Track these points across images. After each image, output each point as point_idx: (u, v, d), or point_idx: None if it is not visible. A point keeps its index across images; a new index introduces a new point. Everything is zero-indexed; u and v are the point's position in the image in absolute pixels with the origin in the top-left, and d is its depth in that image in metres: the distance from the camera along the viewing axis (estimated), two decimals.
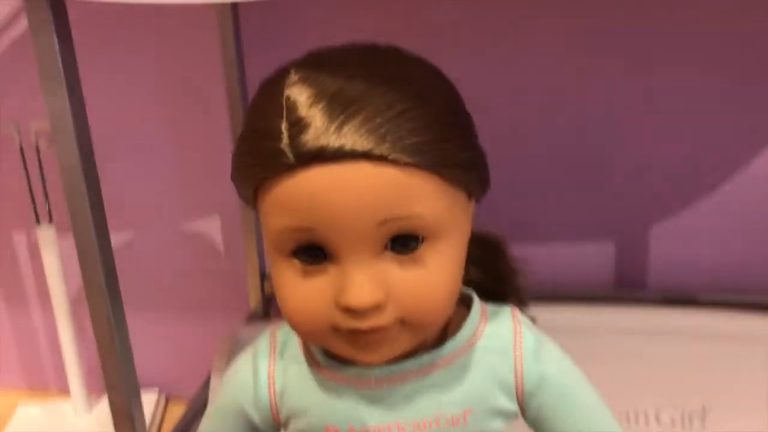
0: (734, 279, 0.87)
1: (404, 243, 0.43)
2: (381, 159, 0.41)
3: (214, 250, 0.98)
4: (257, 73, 0.49)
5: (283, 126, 0.41)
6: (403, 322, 0.44)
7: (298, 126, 0.41)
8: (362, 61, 0.43)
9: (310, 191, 0.41)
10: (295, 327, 0.46)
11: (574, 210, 0.89)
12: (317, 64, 0.43)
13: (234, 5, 0.82)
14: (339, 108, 0.41)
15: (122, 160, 0.94)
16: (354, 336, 0.44)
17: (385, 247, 0.43)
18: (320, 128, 0.41)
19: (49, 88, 0.56)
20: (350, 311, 0.43)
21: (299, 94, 0.42)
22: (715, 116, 0.82)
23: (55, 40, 0.55)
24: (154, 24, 0.89)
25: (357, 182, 0.41)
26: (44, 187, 0.91)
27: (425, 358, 0.48)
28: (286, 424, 0.51)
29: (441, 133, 0.43)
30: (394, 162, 0.41)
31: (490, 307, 0.51)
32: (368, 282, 0.42)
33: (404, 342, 0.45)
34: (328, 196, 0.41)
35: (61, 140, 0.57)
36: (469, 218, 0.48)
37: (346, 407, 0.48)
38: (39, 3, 0.53)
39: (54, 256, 0.94)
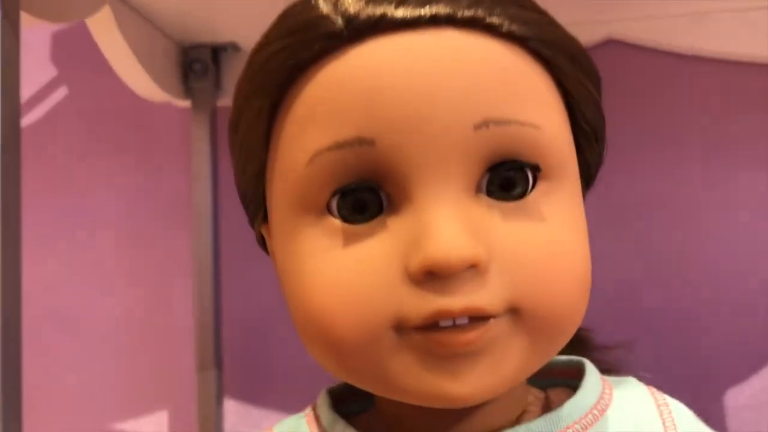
0: None
1: (509, 181, 0.28)
2: (475, 25, 0.27)
3: None
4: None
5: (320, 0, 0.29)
6: (515, 313, 0.27)
7: None
8: None
9: (368, 75, 0.27)
10: (331, 331, 0.27)
11: None
12: None
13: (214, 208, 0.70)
14: None
15: (55, 340, 0.75)
16: (433, 341, 0.27)
17: (478, 188, 0.28)
18: None
19: None
20: (433, 274, 0.26)
21: None
22: None
23: None
24: (117, 202, 0.77)
25: (441, 57, 0.27)
26: None
27: (539, 424, 0.29)
28: None
29: (549, 17, 0.30)
30: (496, 31, 0.28)
31: (608, 377, 0.35)
32: (461, 226, 0.26)
33: (514, 358, 0.28)
34: (396, 80, 0.27)
35: None
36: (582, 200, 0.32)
37: None
38: None
39: None
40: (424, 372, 0.27)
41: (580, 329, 0.42)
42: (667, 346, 0.70)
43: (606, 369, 0.41)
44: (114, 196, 0.76)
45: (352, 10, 0.27)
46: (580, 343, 0.41)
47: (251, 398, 0.73)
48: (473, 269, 0.26)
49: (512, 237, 0.27)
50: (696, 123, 0.70)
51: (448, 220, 0.26)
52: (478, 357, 0.27)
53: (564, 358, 0.36)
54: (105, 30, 0.55)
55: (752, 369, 0.69)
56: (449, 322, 0.26)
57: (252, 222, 0.34)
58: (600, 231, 0.70)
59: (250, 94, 0.30)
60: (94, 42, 0.57)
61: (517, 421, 0.31)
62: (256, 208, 0.33)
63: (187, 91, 0.69)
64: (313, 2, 0.29)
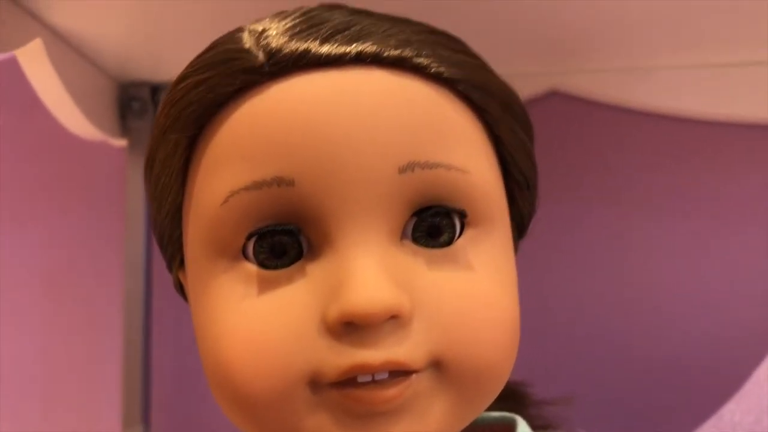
0: None
1: (435, 228, 0.27)
2: (402, 65, 0.26)
3: None
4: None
5: (246, 34, 0.28)
6: (438, 368, 0.26)
7: (268, 31, 0.27)
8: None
9: (289, 112, 0.26)
10: (241, 387, 0.26)
11: None
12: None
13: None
14: (326, 20, 0.28)
15: None
16: (351, 398, 0.25)
17: (403, 234, 0.27)
18: (302, 31, 0.27)
19: None
20: (352, 325, 0.24)
21: (264, 21, 0.29)
22: None
23: None
24: (44, 245, 0.72)
25: (365, 96, 0.26)
26: None
27: None
28: None
29: (482, 61, 0.29)
30: (424, 72, 0.27)
31: None
32: (383, 274, 0.25)
33: (437, 416, 0.26)
34: (319, 119, 0.26)
35: None
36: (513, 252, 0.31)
37: None
38: None
39: None
40: (340, 431, 0.25)
41: (518, 384, 0.41)
42: (607, 402, 0.69)
43: (544, 425, 0.39)
44: (41, 238, 0.72)
45: (274, 44, 0.26)
46: (517, 398, 0.40)
47: None
48: (395, 320, 0.25)
49: (437, 286, 0.26)
50: (639, 177, 0.70)
51: (369, 268, 0.25)
52: (399, 415, 0.25)
53: (496, 414, 0.34)
54: (35, 63, 0.53)
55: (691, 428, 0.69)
56: (368, 378, 0.25)
57: (170, 266, 0.32)
58: (538, 283, 0.70)
59: (167, 127, 0.28)
60: (24, 74, 0.55)
61: None
62: (174, 252, 0.31)
63: (124, 130, 0.66)
64: (238, 35, 0.28)
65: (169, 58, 0.63)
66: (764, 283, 0.68)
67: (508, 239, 0.29)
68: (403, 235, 0.27)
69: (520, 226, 0.32)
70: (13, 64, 0.53)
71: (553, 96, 0.70)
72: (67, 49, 0.57)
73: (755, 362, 0.68)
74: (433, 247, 0.27)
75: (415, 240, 0.27)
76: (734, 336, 0.68)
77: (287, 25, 0.27)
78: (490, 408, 0.38)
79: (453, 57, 0.28)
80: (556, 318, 0.69)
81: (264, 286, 0.26)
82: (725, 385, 0.68)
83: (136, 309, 0.66)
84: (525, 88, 0.70)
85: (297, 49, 0.26)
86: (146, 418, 0.66)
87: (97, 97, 0.63)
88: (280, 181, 0.25)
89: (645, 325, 0.69)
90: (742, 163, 0.70)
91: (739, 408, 0.68)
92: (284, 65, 0.26)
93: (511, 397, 0.40)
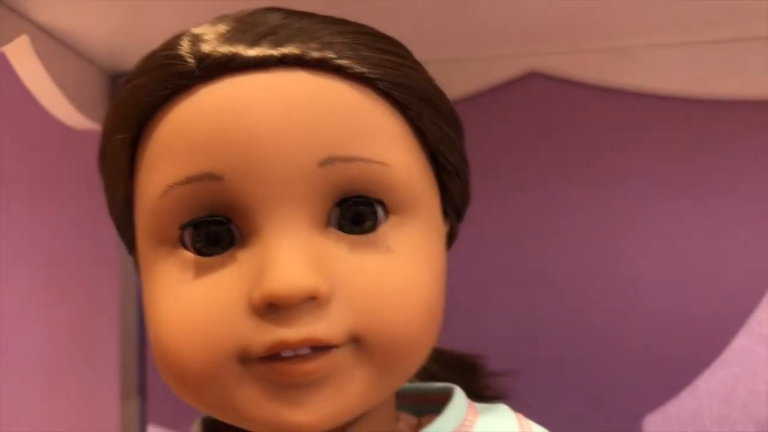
0: None
1: (358, 215, 0.29)
2: (324, 66, 0.28)
3: None
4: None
5: (184, 39, 0.30)
6: (358, 343, 0.28)
7: (203, 36, 0.29)
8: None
9: (217, 113, 0.28)
10: (178, 363, 0.28)
11: None
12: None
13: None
14: (259, 23, 0.30)
15: None
16: (275, 371, 0.28)
17: (328, 222, 0.29)
18: (233, 36, 0.29)
19: None
20: (273, 305, 0.27)
21: (205, 25, 0.31)
22: None
23: None
24: (43, 228, 0.76)
25: (287, 96, 0.28)
26: None
27: None
28: None
29: (407, 60, 0.31)
30: (345, 72, 0.29)
31: (478, 404, 0.35)
32: (302, 259, 0.27)
33: (358, 386, 0.28)
34: (243, 118, 0.28)
35: None
36: (444, 239, 0.33)
37: None
38: None
39: None
40: (268, 401, 0.28)
41: (472, 357, 0.43)
42: (582, 375, 0.71)
43: (496, 396, 0.42)
44: (40, 224, 0.76)
45: (205, 49, 0.29)
46: (471, 370, 0.42)
47: (176, 426, 0.73)
48: (314, 301, 0.27)
49: (357, 269, 0.28)
50: (618, 156, 0.72)
51: (288, 254, 0.27)
52: (321, 386, 0.28)
53: (439, 384, 0.36)
54: (23, 59, 0.56)
55: (651, 405, 0.70)
56: (291, 353, 0.27)
57: (129, 250, 0.35)
58: (507, 259, 0.71)
59: (112, 127, 0.31)
60: (13, 69, 0.58)
61: None
62: (131, 237, 0.33)
63: None
64: (177, 40, 0.30)
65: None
66: (741, 260, 0.70)
67: (434, 225, 0.31)
68: (328, 223, 0.29)
69: (456, 211, 0.35)
70: (2, 60, 0.56)
71: (533, 77, 0.71)
72: (55, 44, 0.59)
73: (730, 336, 0.70)
74: (358, 233, 0.29)
75: (341, 227, 0.29)
76: (710, 311, 0.70)
77: (221, 31, 0.29)
78: (445, 377, 0.41)
79: (375, 57, 0.29)
80: (535, 297, 0.71)
81: (199, 271, 0.29)
82: (700, 358, 0.70)
83: (132, 289, 0.69)
84: (504, 69, 0.71)
85: (226, 54, 0.28)
86: (143, 392, 0.69)
87: (88, 89, 0.65)
88: (209, 176, 0.28)
89: (621, 300, 0.71)
90: (721, 141, 0.71)
91: (714, 377, 0.70)
92: (213, 69, 0.28)
93: (466, 369, 0.42)
